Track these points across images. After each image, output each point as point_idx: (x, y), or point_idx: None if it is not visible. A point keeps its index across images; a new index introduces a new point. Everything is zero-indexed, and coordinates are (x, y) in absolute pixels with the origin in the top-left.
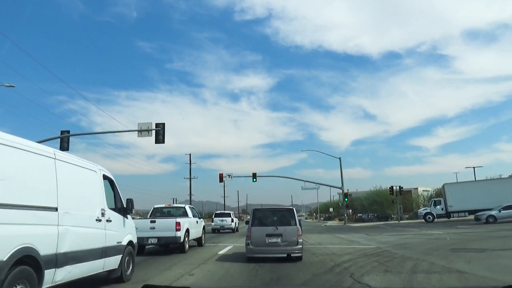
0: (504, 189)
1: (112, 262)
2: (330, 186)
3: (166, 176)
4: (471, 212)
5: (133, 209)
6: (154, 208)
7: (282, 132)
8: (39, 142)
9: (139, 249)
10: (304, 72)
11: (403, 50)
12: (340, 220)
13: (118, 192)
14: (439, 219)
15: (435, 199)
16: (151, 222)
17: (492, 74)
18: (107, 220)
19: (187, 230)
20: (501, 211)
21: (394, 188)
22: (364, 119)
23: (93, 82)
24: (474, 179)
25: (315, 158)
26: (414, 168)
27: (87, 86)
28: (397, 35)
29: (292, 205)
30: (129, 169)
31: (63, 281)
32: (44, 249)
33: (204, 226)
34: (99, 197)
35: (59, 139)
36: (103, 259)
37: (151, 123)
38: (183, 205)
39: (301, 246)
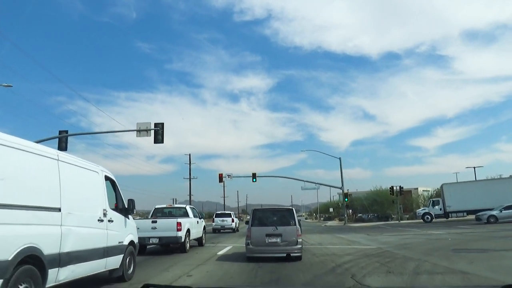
0: (504, 189)
1: (114, 262)
2: (330, 186)
3: (166, 177)
4: (469, 212)
5: (135, 210)
6: (155, 208)
7: (282, 133)
8: (37, 142)
9: (141, 249)
10: (304, 72)
11: (402, 50)
12: (340, 220)
13: (120, 193)
14: (438, 219)
15: (434, 199)
16: (153, 222)
17: (491, 75)
18: (109, 220)
19: (188, 230)
20: (502, 211)
21: (395, 188)
22: (363, 119)
23: (92, 82)
24: (474, 179)
25: (315, 158)
26: (413, 168)
27: (86, 87)
28: (396, 35)
29: (292, 205)
30: (129, 170)
31: (66, 280)
32: (48, 249)
33: (204, 226)
34: (101, 198)
35: (57, 139)
36: (105, 258)
37: (150, 123)
38: (184, 206)
39: (300, 246)
